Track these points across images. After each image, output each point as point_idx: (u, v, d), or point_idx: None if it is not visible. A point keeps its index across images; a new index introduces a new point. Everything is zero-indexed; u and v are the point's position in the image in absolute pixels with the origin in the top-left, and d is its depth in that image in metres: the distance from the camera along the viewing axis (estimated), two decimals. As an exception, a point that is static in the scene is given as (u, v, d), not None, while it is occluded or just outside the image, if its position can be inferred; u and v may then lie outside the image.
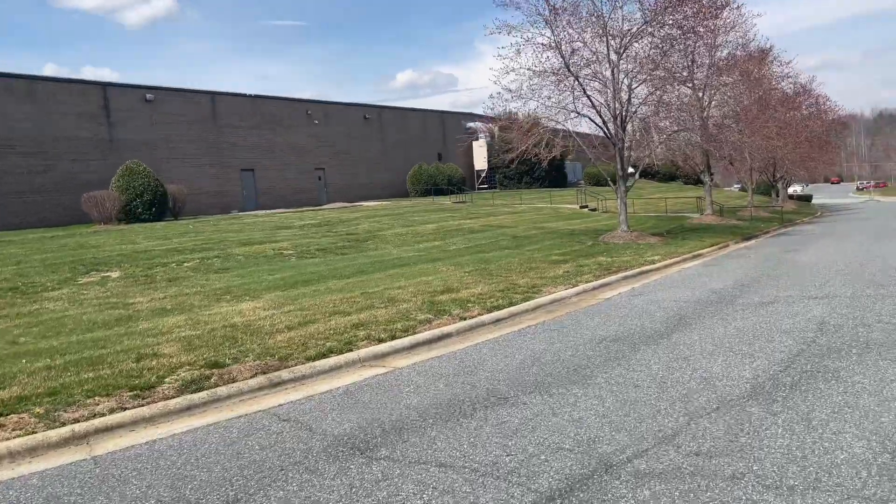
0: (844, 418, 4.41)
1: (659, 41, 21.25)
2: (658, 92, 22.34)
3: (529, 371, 6.23)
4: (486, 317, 9.01)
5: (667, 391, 5.28)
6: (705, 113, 30.62)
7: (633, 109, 21.33)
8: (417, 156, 48.55)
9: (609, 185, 26.19)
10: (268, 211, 33.73)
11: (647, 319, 8.29)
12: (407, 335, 7.96)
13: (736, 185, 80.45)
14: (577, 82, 20.09)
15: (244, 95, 38.13)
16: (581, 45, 19.83)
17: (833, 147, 54.90)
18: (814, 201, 74.64)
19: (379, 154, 47.01)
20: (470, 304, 9.60)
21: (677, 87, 27.88)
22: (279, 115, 39.77)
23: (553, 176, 59.30)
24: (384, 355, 7.41)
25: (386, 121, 48.68)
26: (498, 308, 9.49)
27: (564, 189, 56.67)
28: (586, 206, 37.98)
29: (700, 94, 30.39)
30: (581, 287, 11.30)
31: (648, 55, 21.09)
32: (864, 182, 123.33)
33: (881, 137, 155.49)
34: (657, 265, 14.60)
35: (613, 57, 20.47)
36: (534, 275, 12.66)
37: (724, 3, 27.81)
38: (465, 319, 8.81)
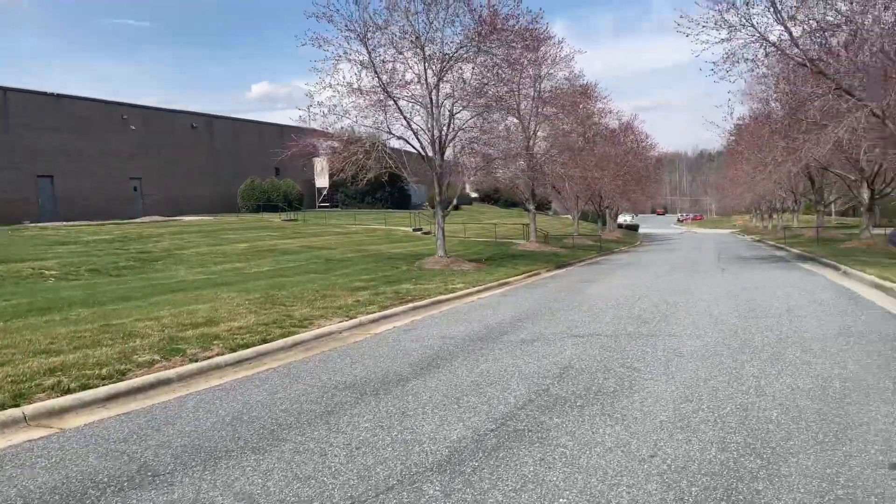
0: (521, 500, 3.78)
1: (483, 69, 21.29)
2: (479, 119, 22.39)
3: (218, 433, 5.19)
4: (225, 357, 7.86)
5: (354, 461, 4.46)
6: (531, 143, 31.42)
7: (453, 135, 21.14)
8: (253, 170, 46.16)
9: (458, 208, 25.92)
10: (67, 223, 30.22)
11: (399, 361, 7.56)
12: (105, 384, 6.64)
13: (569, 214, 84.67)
14: (394, 103, 19.57)
15: (44, 93, 34.22)
16: (398, 64, 19.36)
17: (652, 181, 59.07)
18: (640, 230, 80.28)
19: (207, 166, 44.16)
20: (217, 342, 8.42)
21: (505, 117, 28.36)
22: (89, 117, 36.09)
23: (396, 197, 59.05)
24: (63, 411, 6.04)
25: (217, 131, 45.94)
26: (247, 346, 8.38)
27: (408, 210, 56.48)
28: (420, 230, 37.77)
29: (526, 125, 31.12)
30: (357, 320, 10.46)
31: (469, 81, 21.03)
32: (684, 214, 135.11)
33: (700, 174, 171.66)
34: (456, 293, 14.17)
35: (432, 80, 20.18)
36: (321, 304, 11.70)
37: (543, 36, 28.76)
38: (196, 361, 7.60)
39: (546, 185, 38.09)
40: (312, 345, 8.93)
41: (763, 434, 4.70)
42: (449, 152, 22.21)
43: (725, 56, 17.63)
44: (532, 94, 31.26)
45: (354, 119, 19.00)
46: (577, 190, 39.71)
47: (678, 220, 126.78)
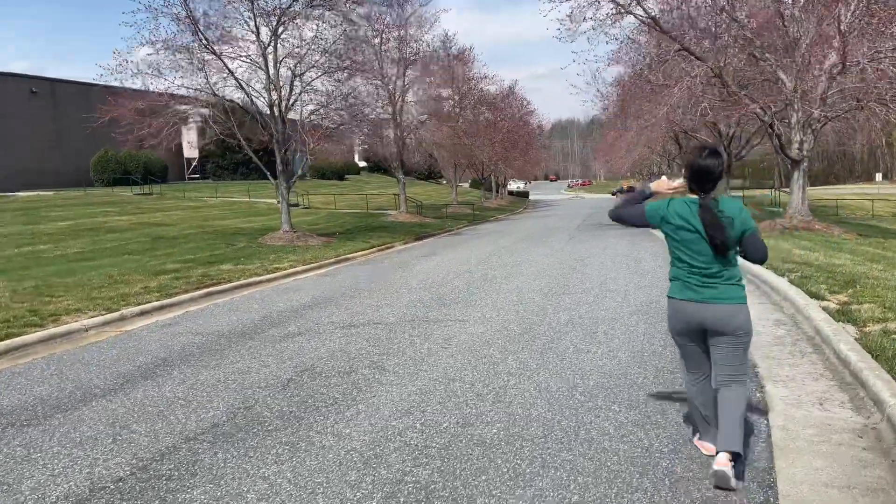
0: None
1: (330, 26, 19.65)
2: (330, 82, 20.78)
3: None
4: None
5: None
6: (397, 108, 30.06)
7: (294, 99, 19.45)
8: (111, 140, 42.26)
9: (340, 178, 24.19)
10: None
11: (109, 370, 6.14)
12: None
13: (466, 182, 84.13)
14: (222, 63, 17.65)
15: None
16: (226, 19, 17.41)
17: (535, 148, 59.19)
18: (531, 197, 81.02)
19: (52, 136, 40.04)
20: None
21: (370, 80, 26.76)
22: None
23: (274, 168, 56.39)
24: None
25: (62, 97, 41.67)
26: (-68, 356, 6.72)
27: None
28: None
29: (391, 89, 29.69)
30: (119, 313, 8.86)
31: (314, 40, 19.33)
32: (574, 180, 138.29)
33: (591, 140, 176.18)
34: (277, 274, 12.77)
35: (265, 37, 18.37)
36: (101, 293, 10.02)
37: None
38: None
39: (415, 153, 36.94)
40: (35, 350, 7.32)
41: (457, 466, 3.68)
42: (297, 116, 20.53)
43: (570, 13, 16.89)
44: (397, 57, 29.81)
45: (173, 80, 16.94)
46: (450, 157, 38.79)
47: (568, 185, 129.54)
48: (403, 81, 30.40)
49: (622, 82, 20.34)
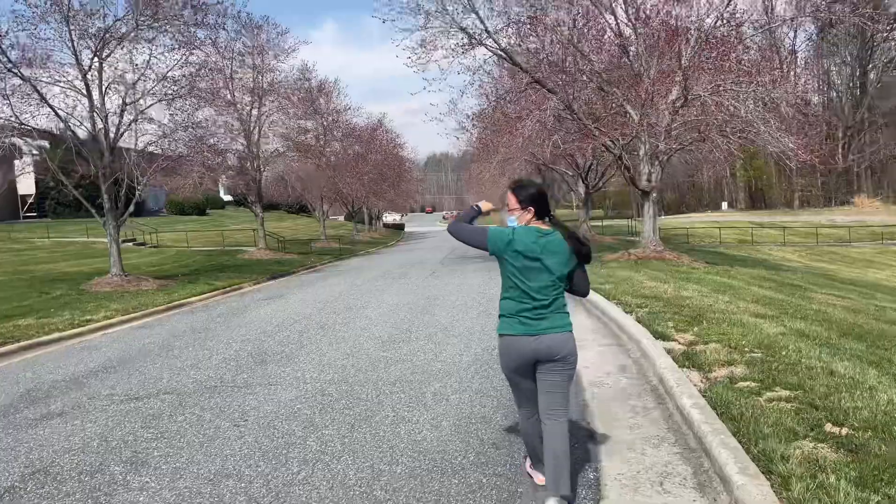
0: None
1: (166, 50, 17.98)
2: (169, 110, 19.04)
3: None
4: None
5: None
6: (252, 139, 28.48)
7: (124, 129, 17.53)
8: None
9: (201, 213, 21.90)
10: None
11: None
12: None
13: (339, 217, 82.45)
14: (30, 85, 15.54)
15: None
16: (34, 40, 15.37)
17: (405, 181, 58.91)
18: (407, 229, 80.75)
19: None
20: None
21: (223, 111, 25.10)
22: None
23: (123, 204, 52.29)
24: None
25: None
26: None
27: (140, 217, 50.37)
28: (133, 241, 32.95)
29: (245, 119, 28.11)
30: None
31: (149, 65, 17.59)
32: (449, 212, 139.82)
33: (466, 173, 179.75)
34: (84, 329, 10.95)
35: (87, 60, 16.45)
36: None
37: (249, 25, 26.10)
38: None
39: (279, 186, 35.36)
40: None
41: None
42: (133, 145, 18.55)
43: (421, 42, 16.36)
44: (251, 85, 28.29)
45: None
46: (315, 190, 37.43)
47: (443, 217, 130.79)
48: (259, 111, 28.90)
49: (480, 114, 20.16)
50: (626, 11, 16.05)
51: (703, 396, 4.95)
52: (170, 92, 18.52)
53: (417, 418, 5.10)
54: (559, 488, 3.31)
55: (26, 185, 46.05)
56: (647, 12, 15.53)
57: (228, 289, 17.29)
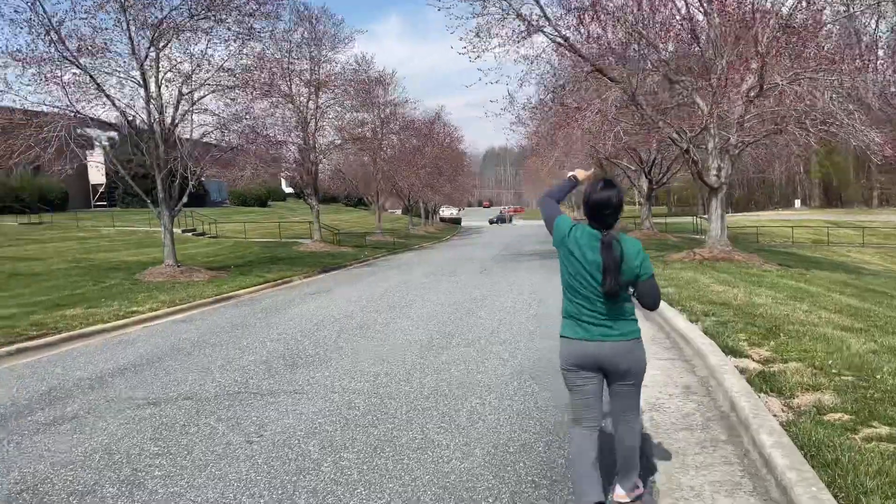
0: None
1: (220, 41, 17.93)
2: (225, 101, 19.01)
3: None
4: None
5: None
6: (310, 131, 28.38)
7: (179, 119, 17.50)
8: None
9: (262, 205, 22.09)
10: None
11: None
12: None
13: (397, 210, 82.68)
14: (89, 77, 15.62)
15: None
16: (89, 28, 15.38)
17: (464, 175, 58.35)
18: (463, 224, 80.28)
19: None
20: None
21: (278, 103, 25.09)
22: None
23: (189, 194, 53.43)
24: None
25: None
26: None
27: (203, 208, 51.51)
28: (193, 231, 33.45)
29: (302, 111, 28.03)
30: None
31: (206, 56, 17.56)
32: (507, 207, 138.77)
33: (523, 167, 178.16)
34: (127, 321, 10.80)
35: (144, 50, 16.45)
36: None
37: (306, 15, 25.93)
38: None
39: (335, 179, 35.31)
40: None
41: None
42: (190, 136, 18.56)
43: (477, 30, 15.67)
44: (309, 77, 28.19)
45: (16, 92, 14.78)
46: (371, 183, 37.23)
47: (500, 212, 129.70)
48: (316, 103, 28.78)
49: (538, 106, 19.35)
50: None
51: (787, 432, 4.17)
52: (225, 83, 18.46)
53: (448, 443, 4.49)
54: (630, 477, 3.39)
55: (97, 174, 47.60)
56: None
57: (279, 281, 17.08)
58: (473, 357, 7.03)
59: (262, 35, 20.55)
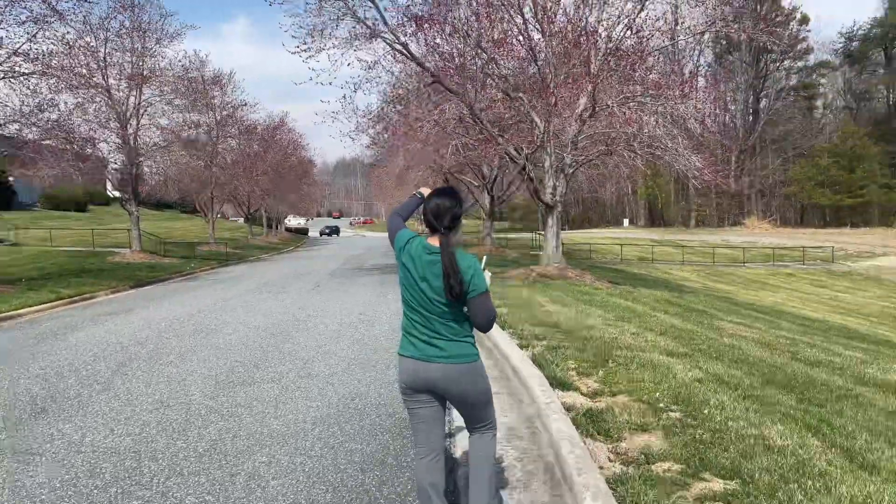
0: None
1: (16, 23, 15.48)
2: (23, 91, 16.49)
3: None
4: None
5: None
6: (130, 129, 25.73)
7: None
8: None
9: (81, 209, 18.87)
10: None
11: None
12: None
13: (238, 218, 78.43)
14: None
15: None
16: None
17: (310, 184, 56.53)
18: (312, 234, 77.81)
19: None
20: None
21: (92, 96, 22.44)
22: None
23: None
24: None
25: None
26: None
27: (10, 211, 45.83)
28: (-14, 237, 29.26)
29: (122, 107, 25.37)
30: None
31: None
32: (357, 218, 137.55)
33: (370, 179, 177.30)
34: None
35: None
36: None
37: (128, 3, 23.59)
38: None
39: (166, 184, 32.49)
40: None
41: None
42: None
43: (311, 29, 14.63)
44: (130, 70, 25.54)
45: None
46: (202, 189, 34.70)
47: (350, 223, 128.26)
48: (139, 99, 26.15)
49: (378, 115, 18.58)
50: (535, 11, 14.94)
51: (614, 492, 3.58)
52: (23, 69, 16.05)
53: (209, 527, 3.45)
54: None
55: None
56: (554, 11, 14.50)
57: (76, 298, 14.89)
58: (275, 397, 5.99)
59: (71, 19, 18.27)
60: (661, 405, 5.32)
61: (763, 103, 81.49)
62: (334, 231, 78.49)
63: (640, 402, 5.37)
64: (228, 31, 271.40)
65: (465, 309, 2.96)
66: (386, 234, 3.66)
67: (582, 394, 5.73)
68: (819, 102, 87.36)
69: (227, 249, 35.08)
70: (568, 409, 5.23)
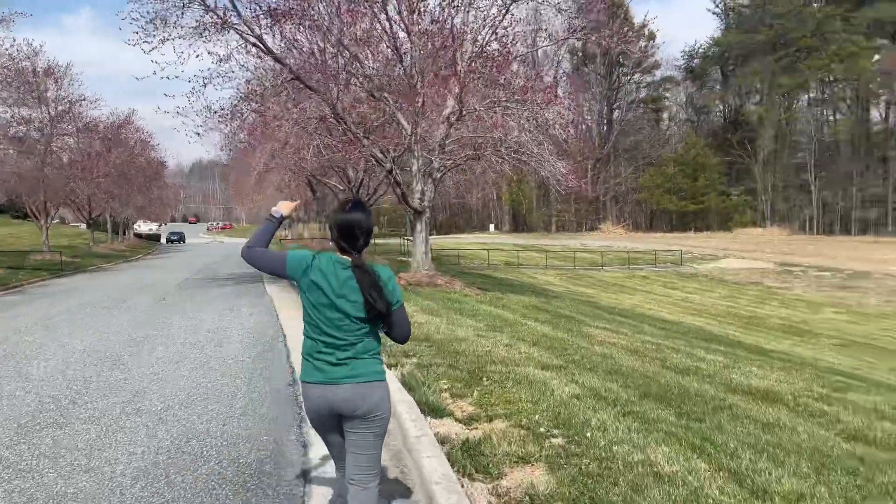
0: None
1: None
2: None
3: None
4: None
5: None
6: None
7: None
8: None
9: None
10: None
11: None
12: None
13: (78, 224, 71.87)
14: None
15: None
16: None
17: (161, 187, 52.83)
18: (164, 240, 72.75)
19: None
20: None
21: None
22: None
23: None
24: None
25: None
26: None
27: None
28: None
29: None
30: None
31: None
32: (214, 223, 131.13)
33: (227, 182, 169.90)
34: None
35: None
36: None
37: None
38: None
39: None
40: None
41: None
42: None
43: (152, 16, 13.17)
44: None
45: None
46: (31, 191, 31.22)
47: (207, 228, 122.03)
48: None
49: (230, 111, 17.18)
50: (399, 8, 14.38)
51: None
52: None
53: None
54: None
55: None
56: (419, 9, 14.01)
57: None
58: (91, 441, 4.91)
59: None
60: (542, 429, 4.86)
61: (616, 114, 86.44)
62: (180, 238, 72.44)
63: (520, 427, 4.88)
64: (71, 23, 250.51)
65: (380, 324, 2.87)
66: (244, 241, 3.25)
67: (456, 419, 5.16)
68: (665, 115, 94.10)
69: (63, 258, 31.67)
70: (442, 440, 4.63)
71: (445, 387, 6.10)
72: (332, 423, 2.89)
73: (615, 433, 4.81)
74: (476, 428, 4.95)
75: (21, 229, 54.06)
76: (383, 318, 2.79)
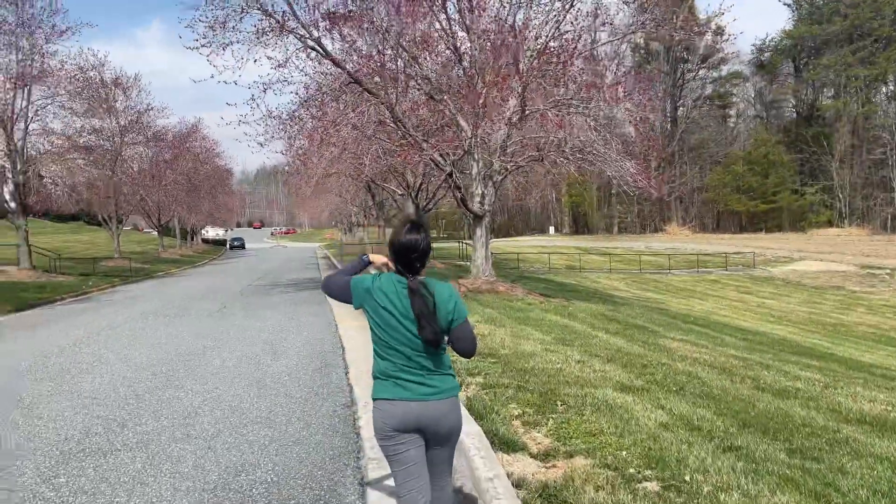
0: None
1: None
2: None
3: None
4: None
5: None
6: (16, 133, 23.26)
7: None
8: None
9: None
10: None
11: None
12: None
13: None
14: None
15: None
16: None
17: (226, 193, 53.97)
18: (228, 246, 74.50)
19: None
20: None
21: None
22: None
23: None
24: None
25: None
26: None
27: None
28: None
29: (4, 108, 22.89)
30: None
31: None
32: (278, 228, 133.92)
33: (288, 187, 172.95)
34: None
35: None
36: None
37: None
38: None
39: (63, 194, 29.75)
40: None
41: None
42: None
43: (212, 21, 13.08)
44: (16, 70, 23.06)
45: None
46: (103, 200, 32.12)
47: (271, 233, 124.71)
48: (26, 101, 23.66)
49: (290, 117, 17.08)
50: (458, 7, 13.89)
51: None
52: None
53: None
54: None
55: None
56: (481, 7, 13.48)
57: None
58: (134, 474, 4.55)
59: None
60: (632, 470, 4.23)
61: (680, 112, 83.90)
62: (241, 244, 72.39)
63: (606, 467, 4.26)
64: (144, 36, 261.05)
65: (446, 339, 2.85)
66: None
67: (532, 455, 4.58)
68: (732, 111, 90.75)
69: (133, 264, 32.48)
70: (517, 483, 4.05)
71: (516, 413, 5.53)
72: (412, 441, 2.84)
73: (718, 475, 4.15)
74: (555, 466, 4.36)
75: (96, 236, 56.13)
76: (436, 342, 2.75)
